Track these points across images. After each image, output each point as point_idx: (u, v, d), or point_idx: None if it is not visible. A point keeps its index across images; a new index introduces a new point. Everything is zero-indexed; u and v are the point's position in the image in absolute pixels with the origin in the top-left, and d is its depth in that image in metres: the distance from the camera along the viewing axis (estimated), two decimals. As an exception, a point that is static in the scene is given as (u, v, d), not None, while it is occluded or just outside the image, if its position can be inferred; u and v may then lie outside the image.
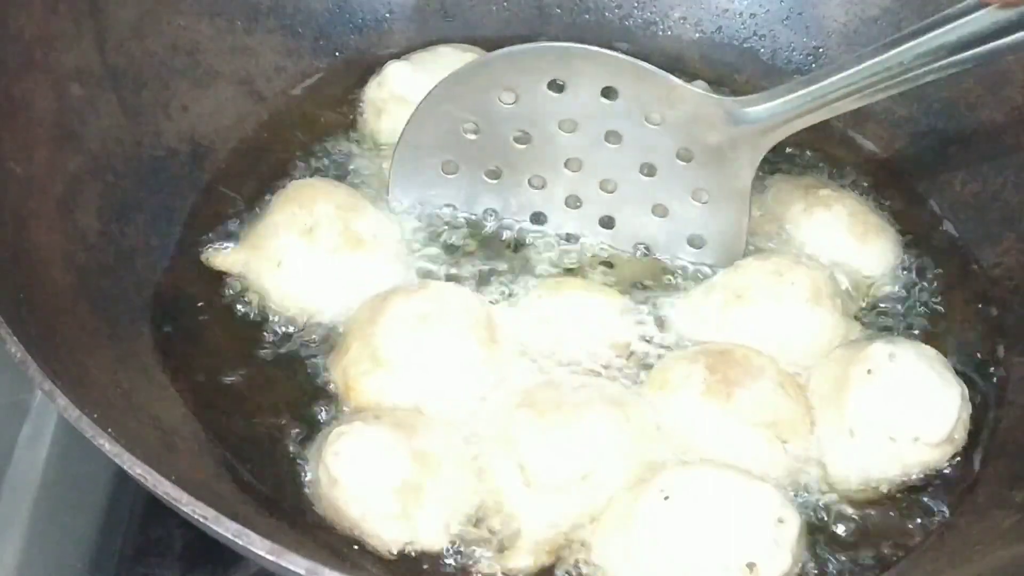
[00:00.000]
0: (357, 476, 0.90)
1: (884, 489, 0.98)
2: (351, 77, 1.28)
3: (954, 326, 1.12)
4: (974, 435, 1.00)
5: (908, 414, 0.96)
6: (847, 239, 1.13)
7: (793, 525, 0.89)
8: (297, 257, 1.06)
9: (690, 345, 1.05)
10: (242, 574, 1.05)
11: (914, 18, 1.24)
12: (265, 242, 1.07)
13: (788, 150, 1.23)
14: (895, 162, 1.26)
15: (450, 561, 0.91)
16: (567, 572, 0.92)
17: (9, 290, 0.89)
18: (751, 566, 0.86)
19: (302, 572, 0.72)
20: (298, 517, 0.93)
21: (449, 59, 1.23)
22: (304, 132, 1.24)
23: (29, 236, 0.97)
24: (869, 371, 0.97)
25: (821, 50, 1.31)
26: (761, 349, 1.02)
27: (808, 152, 1.25)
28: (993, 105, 1.20)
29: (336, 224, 1.06)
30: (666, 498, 0.89)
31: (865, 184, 1.23)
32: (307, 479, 0.95)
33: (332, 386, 1.01)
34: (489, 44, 1.26)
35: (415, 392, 0.97)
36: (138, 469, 0.77)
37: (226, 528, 0.74)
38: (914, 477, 0.98)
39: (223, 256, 1.09)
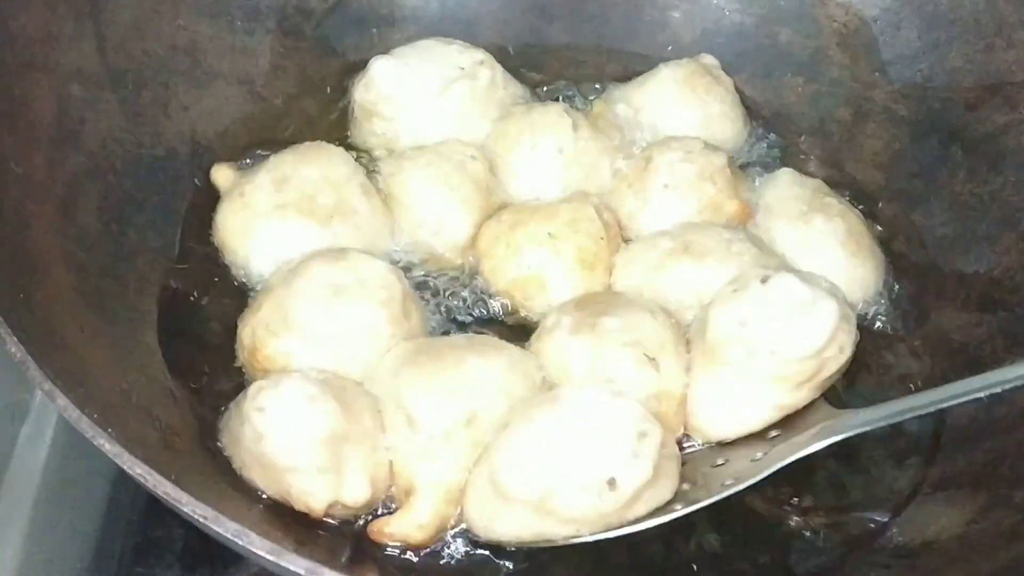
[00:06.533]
0: (285, 428, 0.89)
1: (756, 422, 0.95)
2: (351, 77, 1.28)
3: (952, 327, 1.12)
4: (974, 435, 1.01)
5: (771, 327, 0.93)
6: (838, 253, 1.11)
7: (655, 436, 0.88)
8: (254, 194, 1.08)
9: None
10: (242, 574, 1.05)
11: (914, 18, 1.25)
12: (245, 177, 1.10)
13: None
14: (895, 162, 1.26)
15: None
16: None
17: (9, 290, 0.89)
18: (611, 483, 0.86)
19: (302, 572, 0.72)
20: (298, 516, 0.93)
21: (433, 52, 1.22)
22: (304, 132, 1.24)
23: (29, 236, 0.97)
24: (735, 290, 0.96)
25: (821, 50, 1.30)
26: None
27: (809, 155, 1.25)
28: (993, 105, 1.20)
29: (305, 187, 1.07)
30: (530, 422, 0.89)
31: (865, 183, 1.23)
32: (223, 442, 0.95)
33: (237, 348, 1.02)
34: (489, 45, 1.26)
35: (320, 360, 0.97)
36: (138, 469, 0.77)
37: (226, 528, 0.75)
38: (786, 409, 0.95)
39: (225, 172, 1.14)
